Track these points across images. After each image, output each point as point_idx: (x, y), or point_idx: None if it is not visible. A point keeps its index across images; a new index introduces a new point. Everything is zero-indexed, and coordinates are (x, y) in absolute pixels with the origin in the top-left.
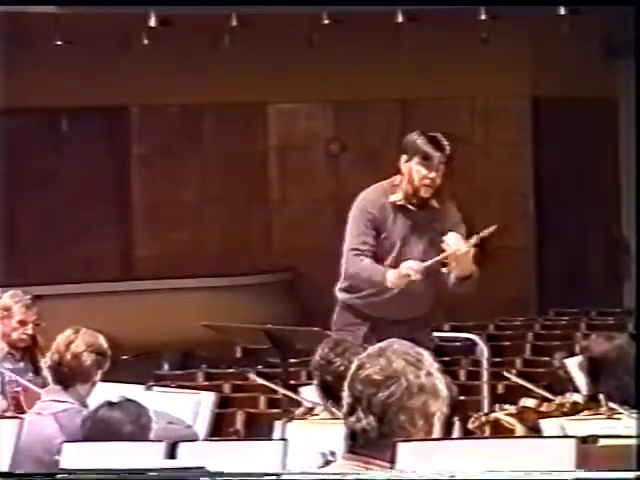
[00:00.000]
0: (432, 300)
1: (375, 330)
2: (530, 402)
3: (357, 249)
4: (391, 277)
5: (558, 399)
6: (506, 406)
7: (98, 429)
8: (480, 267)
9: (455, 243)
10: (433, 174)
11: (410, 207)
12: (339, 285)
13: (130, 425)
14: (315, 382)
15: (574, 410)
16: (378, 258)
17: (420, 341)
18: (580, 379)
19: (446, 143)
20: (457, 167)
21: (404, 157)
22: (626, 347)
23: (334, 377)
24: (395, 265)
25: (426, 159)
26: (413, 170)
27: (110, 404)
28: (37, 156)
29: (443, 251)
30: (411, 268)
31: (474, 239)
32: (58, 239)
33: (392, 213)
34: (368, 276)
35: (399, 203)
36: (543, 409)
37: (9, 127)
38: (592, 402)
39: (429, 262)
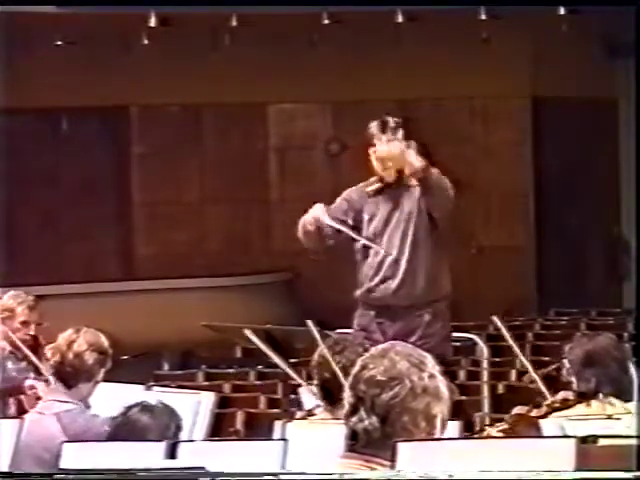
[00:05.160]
0: (435, 283)
1: (385, 316)
2: (521, 409)
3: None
4: (306, 216)
5: (549, 400)
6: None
7: (124, 430)
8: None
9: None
10: (384, 151)
11: (388, 189)
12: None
13: (155, 434)
14: (315, 381)
15: (565, 405)
16: (368, 239)
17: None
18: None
19: (391, 120)
20: (457, 167)
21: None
22: (610, 341)
23: (333, 375)
24: (384, 246)
25: (376, 141)
26: (372, 157)
27: (143, 407)
28: (37, 156)
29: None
30: (312, 218)
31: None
32: (58, 239)
33: (373, 198)
34: (304, 218)
35: (376, 187)
36: (534, 414)
37: (9, 127)
38: (583, 398)
39: (338, 225)
